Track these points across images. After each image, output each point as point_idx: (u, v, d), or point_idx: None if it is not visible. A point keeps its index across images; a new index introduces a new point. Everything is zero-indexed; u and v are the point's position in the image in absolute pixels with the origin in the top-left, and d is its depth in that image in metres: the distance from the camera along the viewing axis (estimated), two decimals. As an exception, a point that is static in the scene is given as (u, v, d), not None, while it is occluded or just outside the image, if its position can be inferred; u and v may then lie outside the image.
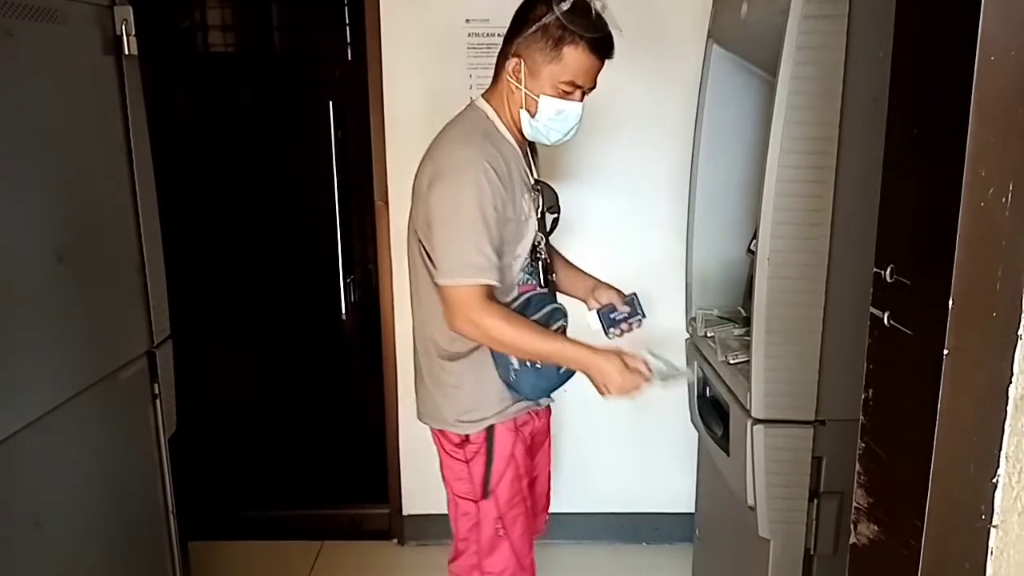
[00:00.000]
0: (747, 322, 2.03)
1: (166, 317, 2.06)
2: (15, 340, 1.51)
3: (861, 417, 0.89)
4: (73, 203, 1.69)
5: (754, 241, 2.10)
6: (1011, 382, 0.77)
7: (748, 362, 1.76)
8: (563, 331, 1.75)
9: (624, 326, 1.88)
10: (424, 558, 2.86)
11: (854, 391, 1.65)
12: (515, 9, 1.64)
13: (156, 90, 1.97)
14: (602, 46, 1.60)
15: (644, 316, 1.91)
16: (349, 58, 3.17)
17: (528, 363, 1.68)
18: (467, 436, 1.77)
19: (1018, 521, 0.79)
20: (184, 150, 3.09)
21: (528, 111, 1.64)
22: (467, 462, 1.78)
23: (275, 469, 3.23)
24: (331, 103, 2.88)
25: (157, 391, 2.03)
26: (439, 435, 1.83)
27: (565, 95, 1.62)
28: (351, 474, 3.24)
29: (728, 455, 1.93)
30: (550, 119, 1.64)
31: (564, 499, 2.90)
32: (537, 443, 1.93)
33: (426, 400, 1.83)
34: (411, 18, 2.60)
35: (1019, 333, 0.76)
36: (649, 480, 2.90)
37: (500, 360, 1.70)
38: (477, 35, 2.55)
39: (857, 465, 0.88)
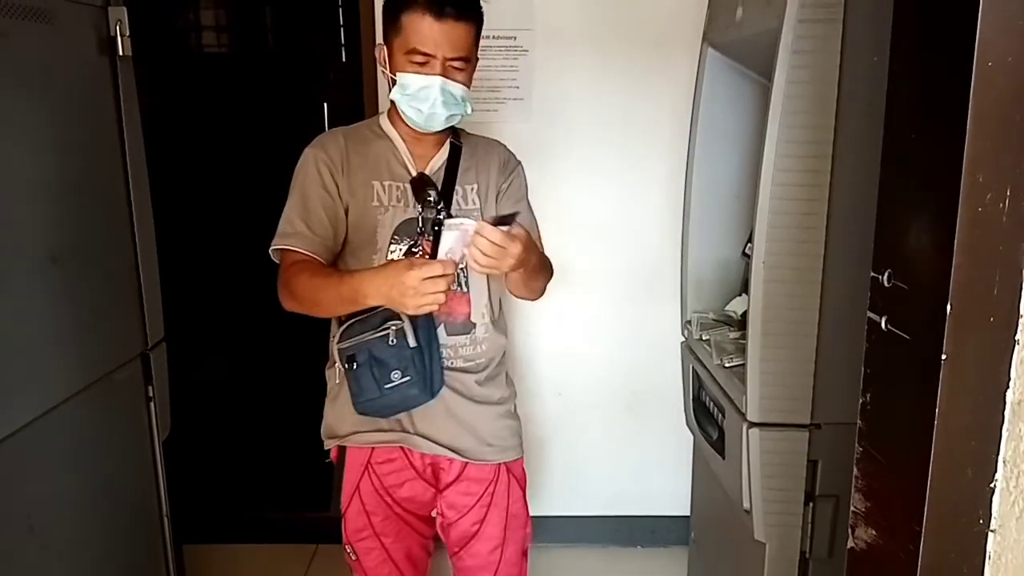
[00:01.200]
0: (742, 325, 2.03)
1: (160, 319, 2.05)
2: (9, 342, 1.50)
3: (859, 421, 0.90)
4: (67, 204, 1.69)
5: (749, 244, 2.11)
6: (1008, 387, 0.77)
7: (743, 365, 1.76)
8: (389, 336, 1.52)
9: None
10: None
11: (849, 394, 1.65)
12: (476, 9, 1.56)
13: (149, 90, 1.96)
14: (431, 3, 1.46)
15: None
16: (343, 59, 3.17)
17: (348, 364, 1.54)
18: (330, 452, 1.77)
19: (1016, 525, 0.79)
20: (177, 151, 3.08)
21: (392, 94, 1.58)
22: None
23: (269, 471, 3.22)
24: (325, 104, 2.87)
25: (151, 393, 2.03)
26: None
27: (418, 68, 1.49)
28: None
29: (723, 458, 1.93)
30: (408, 96, 1.52)
31: (558, 502, 2.91)
32: (452, 499, 1.72)
33: None
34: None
35: (1016, 338, 0.76)
36: (644, 483, 2.90)
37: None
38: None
39: (855, 469, 0.88)
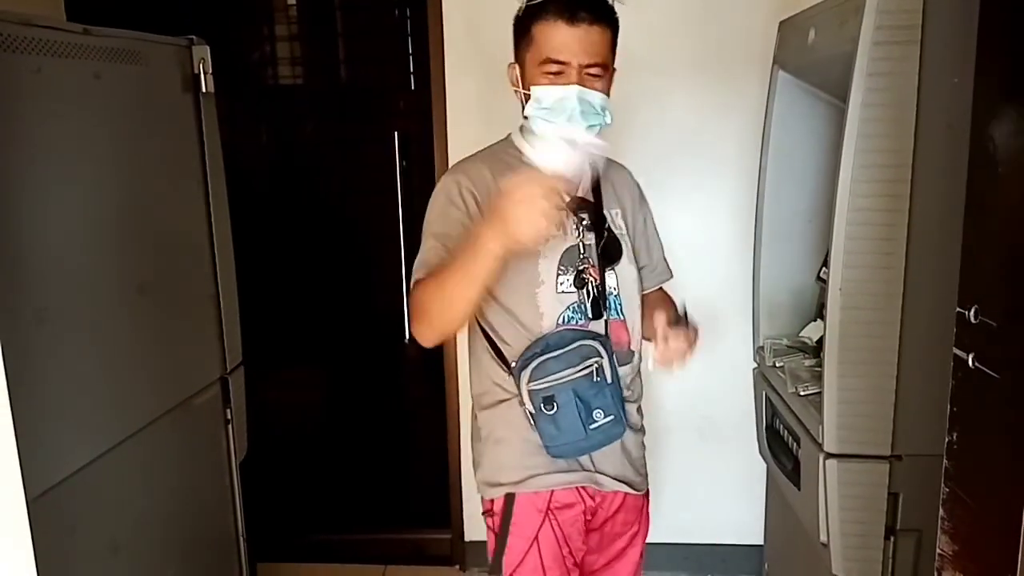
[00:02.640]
0: (817, 352, 1.98)
1: (239, 344, 2.12)
2: (96, 367, 1.57)
3: (945, 460, 0.87)
4: (155, 236, 1.76)
5: (823, 269, 2.06)
6: (1106, 428, 0.74)
7: (819, 394, 1.72)
8: (592, 374, 1.43)
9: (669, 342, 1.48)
10: (486, 584, 2.86)
11: (932, 425, 1.60)
12: None
13: (226, 123, 2.03)
14: (561, 6, 1.38)
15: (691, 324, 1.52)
16: (412, 88, 3.23)
17: (543, 408, 1.41)
18: (492, 504, 1.54)
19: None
20: (253, 181, 3.18)
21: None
22: (493, 532, 1.55)
23: (340, 492, 3.27)
24: (396, 133, 2.92)
25: (229, 416, 2.09)
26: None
27: (554, 79, 1.40)
28: (414, 498, 3.26)
29: (799, 489, 1.88)
30: (545, 109, 1.42)
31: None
32: (606, 531, 1.62)
33: (473, 461, 1.64)
34: (473, 48, 2.63)
35: (1114, 377, 0.73)
36: (714, 510, 2.84)
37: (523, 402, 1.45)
38: (540, 65, 2.57)
39: (941, 510, 0.85)
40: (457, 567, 2.97)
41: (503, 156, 1.52)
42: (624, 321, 1.55)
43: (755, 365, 2.28)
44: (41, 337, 1.41)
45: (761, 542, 2.65)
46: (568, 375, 1.41)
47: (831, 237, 1.63)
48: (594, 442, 1.46)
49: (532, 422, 1.45)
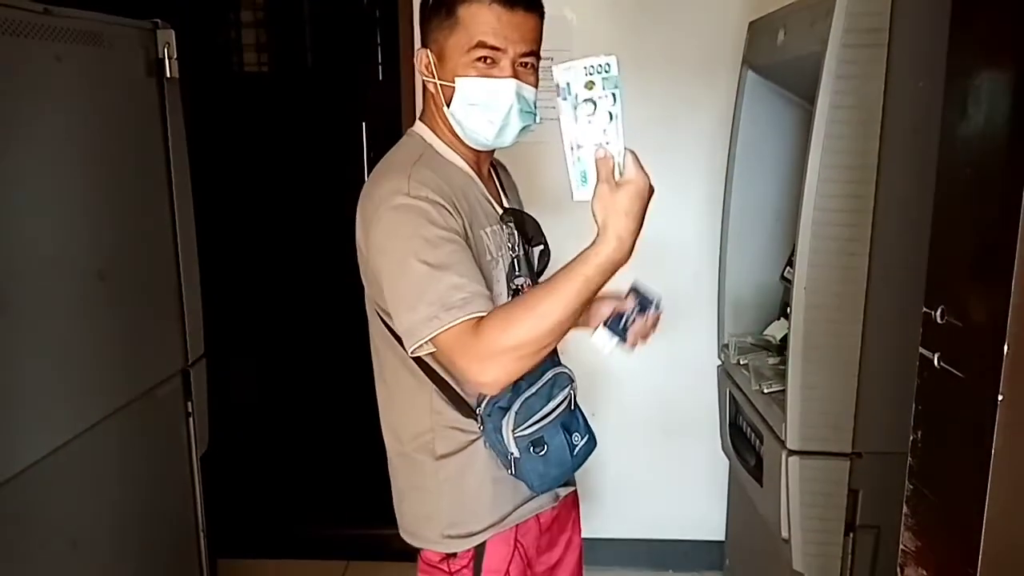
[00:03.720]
0: (781, 350, 2.01)
1: (201, 336, 2.08)
2: (56, 357, 1.53)
3: (909, 459, 0.88)
4: (116, 222, 1.72)
5: (788, 268, 2.09)
6: (1066, 428, 0.75)
7: (783, 391, 1.74)
8: (571, 400, 1.39)
9: (638, 325, 1.40)
10: (449, 580, 2.85)
11: (892, 423, 1.64)
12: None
13: (190, 109, 1.99)
14: None
15: (657, 302, 1.44)
16: (380, 79, 3.20)
17: (531, 449, 1.31)
18: (454, 555, 1.39)
19: (1073, 569, 0.77)
20: (216, 170, 3.13)
21: (449, 106, 1.28)
22: (451, 574, 1.41)
23: (302, 487, 3.24)
24: (364, 124, 2.90)
25: (190, 409, 2.05)
26: (419, 550, 1.45)
27: (487, 70, 1.24)
28: (378, 494, 3.23)
29: (761, 485, 1.90)
30: (473, 105, 1.26)
31: (588, 524, 2.87)
32: (553, 530, 1.56)
33: (407, 511, 1.45)
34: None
35: (1075, 378, 0.75)
36: (677, 506, 2.86)
37: (497, 448, 1.32)
38: (511, 59, 2.56)
39: (904, 507, 0.86)
40: (419, 562, 2.96)
41: (435, 161, 1.32)
42: None
43: (719, 362, 2.31)
44: (-3, 325, 1.37)
45: (722, 538, 2.69)
46: (553, 412, 1.33)
47: (796, 236, 1.65)
48: (576, 465, 1.41)
49: (512, 468, 1.33)
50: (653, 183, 1.20)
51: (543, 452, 1.32)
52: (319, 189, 3.25)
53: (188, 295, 2.01)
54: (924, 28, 1.51)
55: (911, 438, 0.87)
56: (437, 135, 1.34)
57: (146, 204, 1.87)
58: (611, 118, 1.16)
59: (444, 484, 1.37)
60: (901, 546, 0.86)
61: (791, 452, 1.69)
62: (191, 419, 2.06)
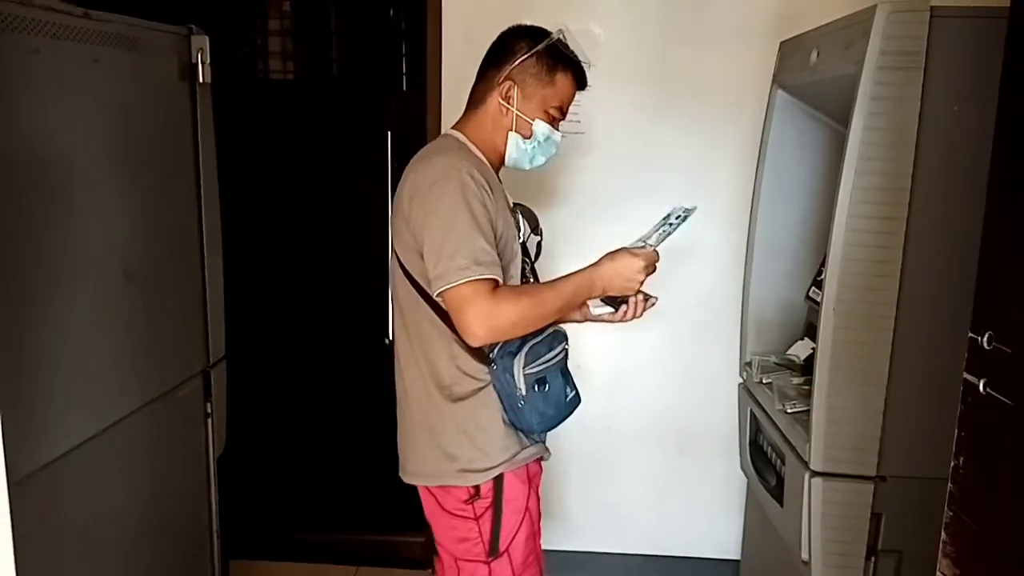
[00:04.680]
0: (805, 370, 2.00)
1: (223, 338, 2.09)
2: (80, 355, 1.54)
3: (950, 485, 0.87)
4: (145, 223, 1.73)
5: (813, 288, 2.08)
6: (1115, 458, 0.74)
7: (807, 412, 1.73)
8: (565, 355, 1.66)
9: (631, 304, 1.68)
10: (459, 590, 2.84)
11: (918, 448, 1.63)
12: (493, 44, 1.70)
13: (217, 114, 2.01)
14: (583, 76, 1.67)
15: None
16: (405, 89, 3.21)
17: (536, 388, 1.57)
18: (476, 489, 1.61)
19: (1118, 603, 0.76)
20: (242, 175, 3.15)
21: (520, 134, 1.63)
22: (476, 519, 1.62)
23: (315, 491, 3.23)
24: (389, 134, 2.91)
25: (209, 410, 2.06)
26: (437, 494, 1.66)
27: (551, 121, 1.65)
28: (390, 500, 3.22)
29: (782, 506, 1.89)
30: (540, 144, 1.65)
31: (600, 538, 2.87)
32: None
33: (417, 454, 1.67)
34: (471, 52, 2.60)
35: (1125, 408, 0.74)
36: (690, 523, 2.84)
37: (506, 389, 1.57)
38: (536, 71, 2.57)
39: (943, 534, 0.85)
40: (430, 571, 2.95)
41: (475, 157, 1.61)
42: None
43: (741, 380, 2.29)
44: (24, 320, 1.37)
45: (736, 556, 2.66)
46: (554, 357, 1.60)
47: (826, 257, 1.64)
48: (567, 415, 1.65)
49: (521, 404, 1.57)
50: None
51: (547, 390, 1.58)
52: (343, 197, 3.26)
53: (212, 297, 2.01)
54: (960, 52, 1.51)
55: (952, 464, 0.86)
56: (472, 141, 1.64)
57: (174, 206, 1.88)
58: (663, 234, 1.69)
59: (463, 423, 1.60)
60: (939, 573, 0.85)
61: (814, 473, 1.68)
62: (210, 420, 2.06)
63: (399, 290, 1.64)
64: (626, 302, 1.66)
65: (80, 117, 1.51)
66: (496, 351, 1.56)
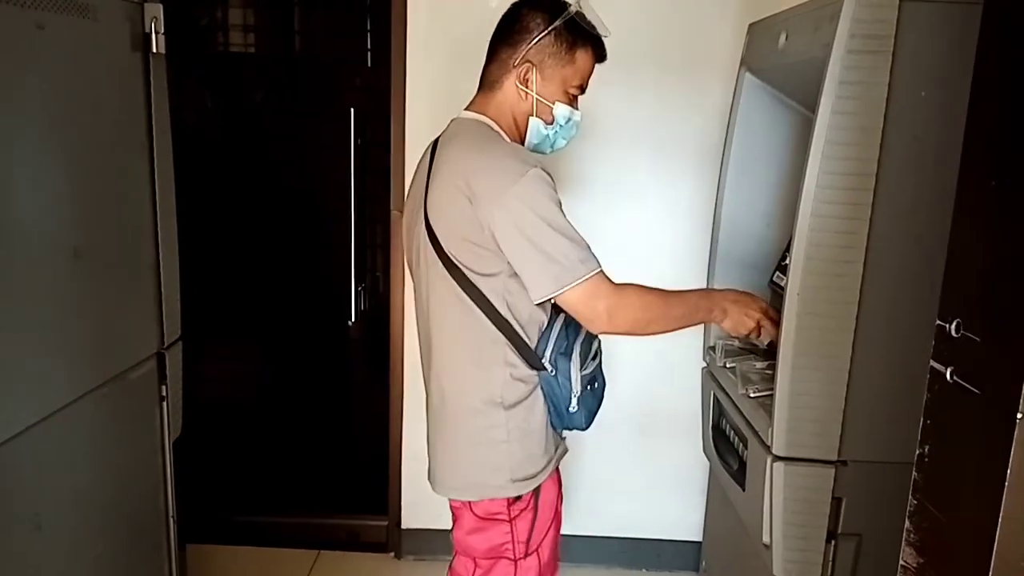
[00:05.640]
0: (768, 355, 2.00)
1: (178, 319, 2.03)
2: (27, 336, 1.48)
3: (915, 473, 0.86)
4: (94, 199, 1.66)
5: (777, 273, 2.08)
6: (1083, 448, 0.74)
7: (770, 396, 1.73)
8: (600, 355, 1.68)
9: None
10: (420, 573, 2.83)
11: (879, 433, 1.64)
12: (504, 18, 1.59)
13: (173, 87, 1.94)
14: (603, 49, 1.60)
15: None
16: (369, 64, 3.15)
17: (589, 387, 1.57)
18: (518, 498, 1.57)
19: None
20: (199, 150, 3.06)
21: (542, 119, 1.57)
22: (511, 520, 1.58)
23: (275, 474, 3.19)
24: (352, 109, 2.85)
25: (165, 393, 2.00)
26: (471, 504, 1.59)
27: (572, 101, 1.59)
28: (351, 484, 3.20)
29: (744, 490, 1.89)
30: (562, 127, 1.60)
31: (564, 520, 2.86)
32: None
33: (459, 467, 1.60)
34: (437, 29, 2.58)
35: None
36: (653, 505, 2.86)
37: (560, 392, 1.54)
38: (504, 49, 2.53)
39: (907, 522, 0.85)
40: (392, 555, 2.93)
41: (528, 153, 1.57)
42: None
43: (704, 364, 2.29)
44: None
45: (699, 538, 2.69)
46: (599, 354, 1.64)
47: (791, 242, 1.64)
48: (599, 408, 1.66)
49: (575, 405, 1.55)
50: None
51: (596, 387, 1.61)
52: (304, 172, 3.20)
53: (166, 276, 1.95)
54: (930, 37, 1.50)
55: (917, 452, 0.86)
56: (501, 128, 1.57)
57: (126, 181, 1.81)
58: None
59: (513, 432, 1.54)
60: (901, 562, 0.85)
61: (776, 458, 1.68)
62: (165, 403, 2.00)
63: (440, 295, 1.54)
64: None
65: (23, 87, 1.44)
66: (550, 354, 1.53)
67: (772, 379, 1.71)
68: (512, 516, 1.58)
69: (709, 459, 2.27)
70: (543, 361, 1.53)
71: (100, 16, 1.65)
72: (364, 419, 3.21)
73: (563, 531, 2.82)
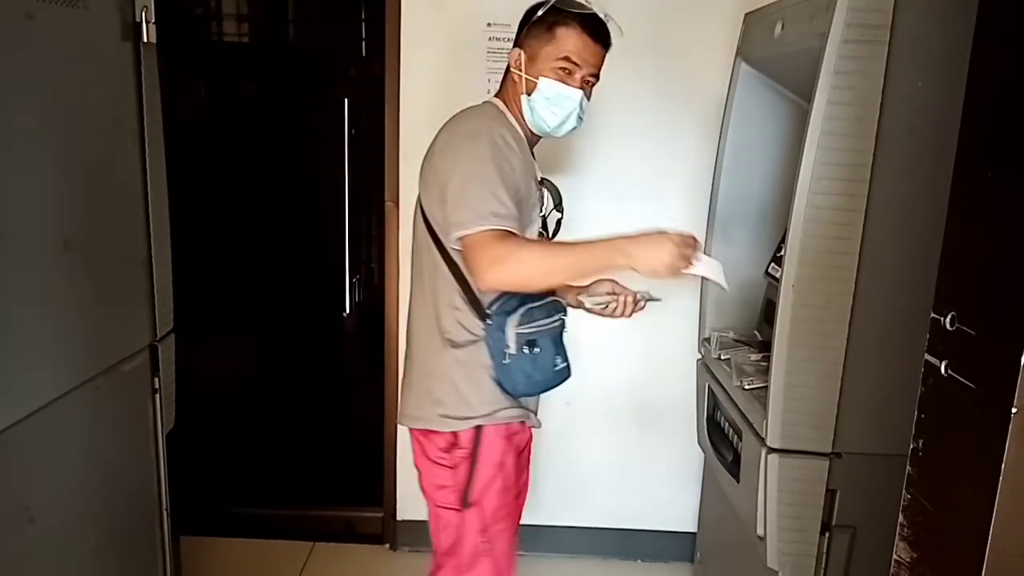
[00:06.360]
0: (763, 347, 2.00)
1: (170, 311, 2.02)
2: (18, 329, 1.46)
3: (908, 467, 0.86)
4: (84, 191, 1.65)
5: (772, 264, 2.07)
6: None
7: (764, 388, 1.73)
8: (562, 325, 1.69)
9: (621, 301, 1.77)
10: (416, 564, 2.82)
11: (873, 425, 1.64)
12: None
13: (166, 77, 1.92)
14: (592, 24, 1.64)
15: (647, 299, 1.81)
16: (363, 54, 3.13)
17: (525, 349, 1.61)
18: (455, 438, 1.69)
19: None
20: (191, 140, 3.04)
21: (528, 96, 1.67)
22: (453, 467, 1.70)
23: (270, 466, 3.19)
24: (346, 100, 2.83)
25: (157, 385, 1.99)
26: (422, 438, 1.75)
27: (564, 77, 1.64)
28: (346, 476, 3.20)
29: (738, 481, 1.89)
30: (547, 100, 1.65)
31: (559, 511, 2.87)
32: (523, 460, 1.85)
33: (412, 397, 1.76)
34: (432, 20, 2.56)
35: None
36: (648, 497, 2.86)
37: (496, 346, 1.63)
38: (498, 39, 2.51)
39: (900, 516, 0.84)
40: (387, 546, 2.93)
41: (509, 122, 1.67)
42: None
43: (699, 356, 2.29)
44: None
45: (693, 529, 2.69)
46: (549, 323, 1.64)
47: (786, 233, 1.63)
48: (554, 383, 1.69)
49: (507, 362, 1.62)
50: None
51: (536, 352, 1.62)
52: (297, 163, 3.18)
53: (159, 268, 1.94)
54: (926, 27, 1.50)
55: (911, 446, 0.85)
56: (509, 112, 1.70)
57: (117, 173, 1.79)
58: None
59: (452, 370, 1.67)
60: (895, 556, 0.84)
61: (771, 450, 1.68)
62: (157, 396, 1.99)
63: (418, 237, 1.72)
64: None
65: (11, 78, 1.42)
66: (495, 307, 1.62)
67: (767, 371, 1.71)
68: (454, 463, 1.70)
69: (704, 451, 2.27)
70: (488, 311, 1.63)
71: (89, 5, 1.63)
72: (359, 411, 3.21)
73: (559, 522, 2.86)
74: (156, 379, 1.98)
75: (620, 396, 2.78)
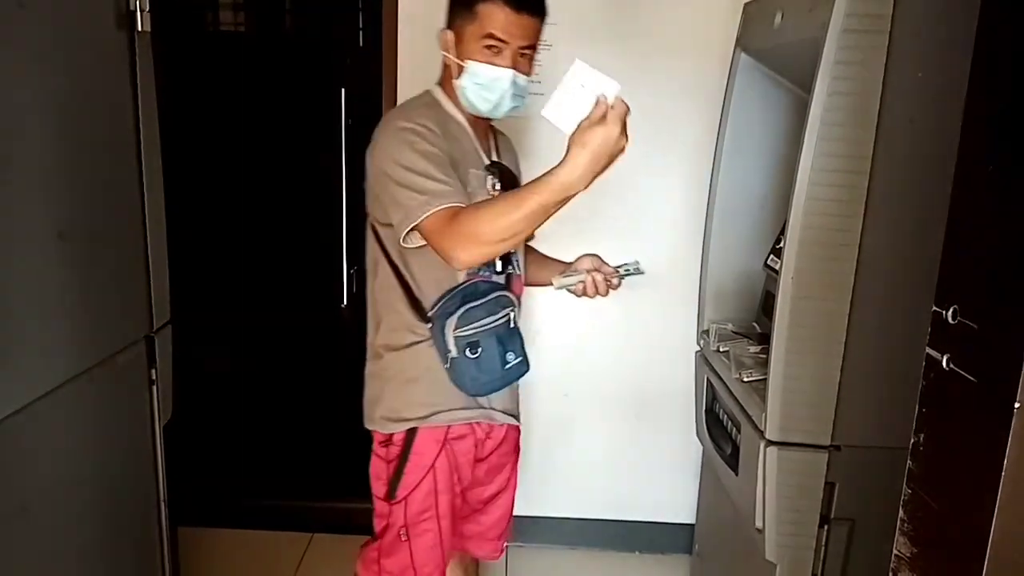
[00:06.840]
0: (762, 339, 1.99)
1: (167, 302, 2.01)
2: (13, 320, 1.45)
3: (909, 462, 0.85)
4: (79, 181, 1.64)
5: (772, 256, 2.06)
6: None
7: (763, 381, 1.72)
8: (507, 321, 1.64)
9: (599, 278, 1.73)
10: (414, 556, 2.82)
11: (873, 418, 1.63)
12: None
13: (161, 66, 1.91)
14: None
15: (624, 273, 1.76)
16: (361, 44, 3.11)
17: (467, 352, 1.58)
18: (390, 437, 1.71)
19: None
20: (187, 130, 3.03)
21: (458, 80, 1.61)
22: (387, 462, 1.73)
23: (267, 457, 3.18)
24: (343, 90, 2.81)
25: (154, 377, 1.98)
26: (374, 435, 1.80)
27: (492, 57, 1.55)
28: (344, 467, 3.18)
29: (736, 474, 1.89)
30: (477, 84, 1.58)
31: (557, 503, 2.87)
32: (492, 462, 1.82)
33: (365, 397, 1.81)
34: (429, 9, 2.53)
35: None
36: (646, 488, 2.86)
37: (440, 349, 1.61)
38: (496, 28, 2.50)
39: (901, 512, 0.83)
40: (382, 537, 2.93)
41: (435, 112, 1.63)
42: (520, 275, 1.75)
43: (698, 348, 2.28)
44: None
45: (691, 521, 2.69)
46: (490, 322, 1.60)
47: (785, 224, 1.62)
48: (507, 380, 1.67)
49: (449, 365, 1.61)
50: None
51: (477, 355, 1.59)
52: (295, 155, 3.17)
53: (155, 259, 1.93)
54: (928, 17, 1.48)
55: (912, 441, 0.84)
56: (448, 97, 1.66)
57: (112, 163, 1.78)
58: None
59: (389, 371, 1.70)
60: (895, 551, 0.84)
61: (770, 442, 1.67)
62: (154, 387, 1.99)
63: (370, 246, 1.72)
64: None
65: (3, 67, 1.41)
66: (435, 310, 1.61)
67: (766, 363, 1.70)
68: (388, 458, 1.73)
69: (702, 443, 2.27)
70: (429, 314, 1.62)
71: (82, -7, 1.62)
72: (356, 402, 3.19)
73: (557, 514, 2.86)
74: (153, 370, 1.97)
75: (618, 388, 2.77)
